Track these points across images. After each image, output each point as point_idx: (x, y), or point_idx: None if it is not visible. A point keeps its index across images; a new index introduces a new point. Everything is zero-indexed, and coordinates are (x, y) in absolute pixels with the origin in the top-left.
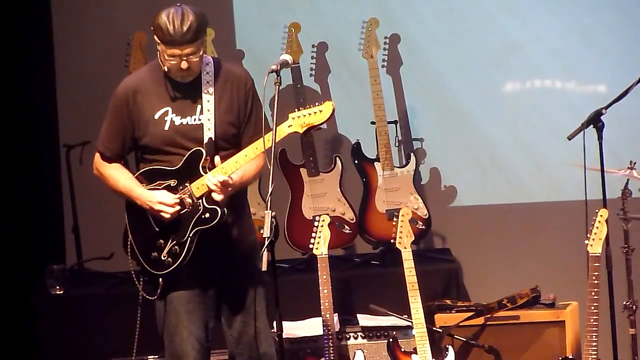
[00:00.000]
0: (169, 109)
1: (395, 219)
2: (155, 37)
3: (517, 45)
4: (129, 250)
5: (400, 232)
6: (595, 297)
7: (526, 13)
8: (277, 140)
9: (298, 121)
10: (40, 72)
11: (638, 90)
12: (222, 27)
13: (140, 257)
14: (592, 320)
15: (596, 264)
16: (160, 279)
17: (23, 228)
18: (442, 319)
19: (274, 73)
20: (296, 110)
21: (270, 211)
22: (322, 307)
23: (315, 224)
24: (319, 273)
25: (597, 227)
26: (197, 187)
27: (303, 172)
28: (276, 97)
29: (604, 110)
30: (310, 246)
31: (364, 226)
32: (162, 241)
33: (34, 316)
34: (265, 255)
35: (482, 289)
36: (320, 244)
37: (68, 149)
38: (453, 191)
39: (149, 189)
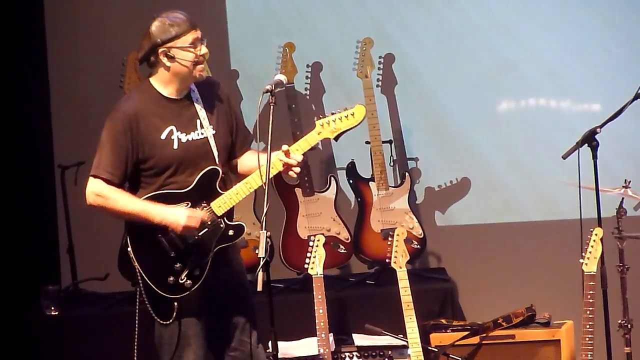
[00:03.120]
0: (173, 127)
1: (390, 239)
2: (165, 45)
3: (511, 64)
4: (138, 278)
5: (396, 251)
6: (591, 315)
7: (520, 32)
8: (307, 149)
9: (328, 127)
10: (34, 93)
11: (632, 109)
12: (216, 47)
13: (152, 283)
14: (587, 339)
15: (591, 283)
16: (176, 303)
17: (18, 249)
18: (438, 339)
19: (269, 93)
20: (322, 116)
21: (265, 231)
22: (317, 327)
23: (310, 243)
24: (314, 293)
25: (592, 246)
26: (219, 206)
27: (298, 192)
28: (271, 117)
29: (598, 129)
30: (306, 266)
31: (359, 246)
32: (179, 265)
33: (29, 337)
34: (260, 276)
35: (477, 308)
36: (316, 264)
37: (63, 170)
38: (448, 210)
39: None
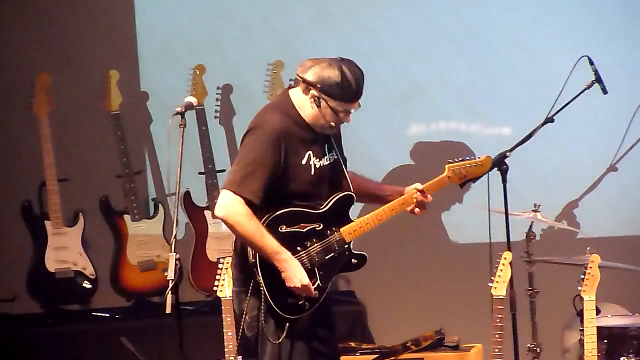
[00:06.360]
0: (310, 152)
1: None
2: (321, 93)
3: (421, 88)
4: (261, 290)
5: None
6: (499, 339)
7: (430, 56)
8: (435, 189)
9: (458, 172)
10: None
11: (542, 134)
12: (126, 68)
13: (272, 300)
14: None
15: (500, 307)
16: (287, 323)
17: None
18: None
19: (179, 115)
20: (454, 161)
21: (175, 254)
22: (226, 350)
23: (220, 266)
24: (223, 315)
25: (501, 270)
26: (349, 232)
27: (207, 214)
28: (181, 139)
29: (508, 153)
30: (215, 288)
31: None
32: None
33: None
34: (169, 298)
35: (386, 331)
36: (225, 286)
37: None
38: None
39: (290, 232)
